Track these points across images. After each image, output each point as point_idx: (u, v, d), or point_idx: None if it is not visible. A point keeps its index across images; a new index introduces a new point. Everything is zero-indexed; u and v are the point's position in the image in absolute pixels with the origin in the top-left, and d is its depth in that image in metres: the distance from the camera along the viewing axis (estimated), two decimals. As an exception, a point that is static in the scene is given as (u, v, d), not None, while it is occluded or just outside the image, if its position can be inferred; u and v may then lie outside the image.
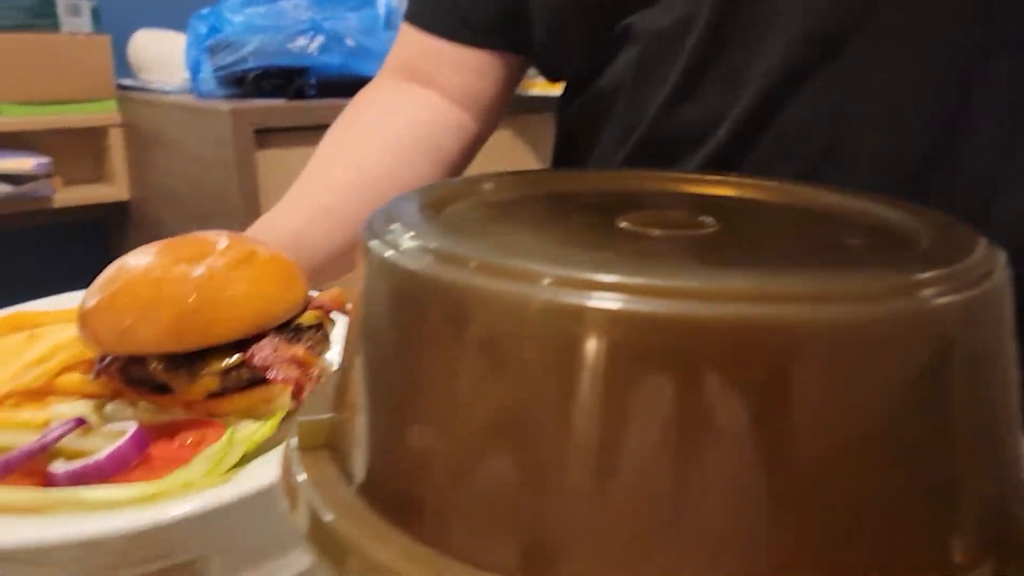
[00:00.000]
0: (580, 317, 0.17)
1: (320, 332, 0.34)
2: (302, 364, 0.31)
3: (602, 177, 0.30)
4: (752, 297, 0.16)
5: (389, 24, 1.03)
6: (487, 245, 0.20)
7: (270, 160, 0.97)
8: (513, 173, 0.28)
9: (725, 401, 0.16)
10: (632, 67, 0.46)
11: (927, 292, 0.17)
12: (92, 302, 0.31)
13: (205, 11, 1.05)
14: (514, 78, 0.56)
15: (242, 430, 0.30)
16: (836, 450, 0.17)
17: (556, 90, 1.19)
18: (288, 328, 0.33)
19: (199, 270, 0.31)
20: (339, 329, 0.36)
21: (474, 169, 1.09)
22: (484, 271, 0.18)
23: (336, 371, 0.24)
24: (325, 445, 0.22)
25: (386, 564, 0.19)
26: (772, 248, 0.22)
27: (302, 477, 0.21)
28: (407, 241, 0.20)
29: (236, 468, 0.29)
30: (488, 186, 0.26)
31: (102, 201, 1.22)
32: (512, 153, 1.25)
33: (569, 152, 0.55)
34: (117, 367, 0.32)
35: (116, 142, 1.19)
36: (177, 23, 1.26)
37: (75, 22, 1.14)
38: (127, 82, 1.23)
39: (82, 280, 1.23)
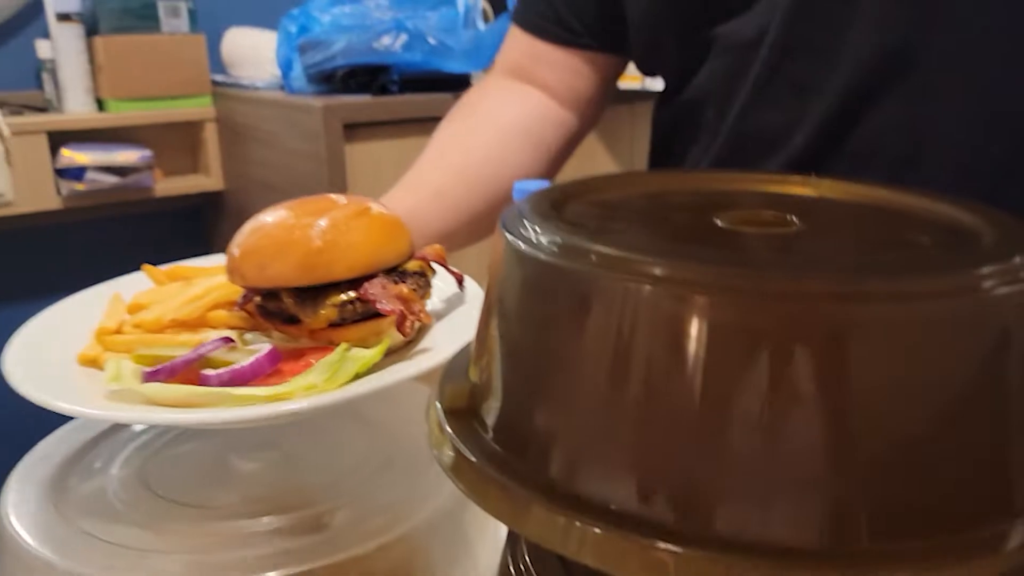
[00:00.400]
0: (687, 303, 0.21)
1: (423, 278, 0.39)
2: (406, 301, 0.36)
3: (692, 178, 0.33)
4: (831, 288, 0.20)
5: (468, 23, 1.07)
6: (605, 240, 0.24)
7: (357, 152, 1.03)
8: (616, 176, 0.31)
9: (809, 374, 0.20)
10: (718, 76, 0.49)
11: (986, 285, 0.20)
12: (237, 247, 0.37)
13: (295, 12, 1.11)
14: (611, 76, 0.60)
15: (354, 353, 0.35)
16: (905, 414, 0.20)
17: (626, 81, 1.22)
18: (395, 272, 0.38)
19: (323, 221, 0.36)
20: (439, 279, 0.41)
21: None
22: (604, 263, 0.22)
23: (471, 344, 0.28)
24: (466, 406, 0.26)
25: (521, 495, 0.23)
26: (851, 245, 0.25)
27: (448, 429, 0.25)
28: (537, 236, 0.24)
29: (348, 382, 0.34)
30: (597, 188, 0.30)
31: (198, 190, 1.30)
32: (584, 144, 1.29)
33: (663, 155, 0.59)
34: (256, 302, 0.38)
35: (211, 135, 1.27)
36: (266, 21, 1.33)
37: (174, 23, 1.22)
38: (219, 78, 1.30)
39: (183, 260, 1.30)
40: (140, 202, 1.28)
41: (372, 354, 0.35)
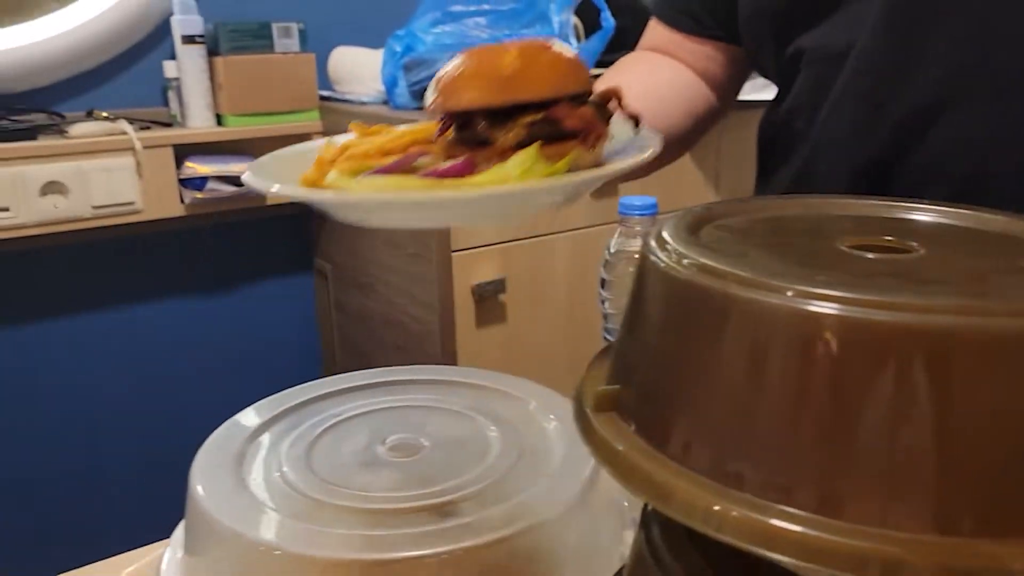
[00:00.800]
0: (817, 322, 0.24)
1: (603, 108, 0.41)
2: (589, 121, 0.39)
3: (812, 203, 0.36)
4: (950, 311, 0.23)
5: (561, 40, 1.11)
6: (739, 263, 0.27)
7: (458, 165, 1.09)
8: (742, 202, 0.35)
9: (930, 388, 0.23)
10: (807, 87, 0.53)
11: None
12: (438, 79, 0.40)
13: (400, 32, 1.17)
14: (743, 68, 0.66)
15: (543, 163, 0.38)
16: (1006, 428, 0.23)
17: None
18: (579, 99, 0.40)
19: (513, 50, 0.39)
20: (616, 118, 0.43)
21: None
22: (740, 283, 0.26)
23: (612, 353, 0.32)
24: (610, 404, 0.30)
25: (664, 480, 0.27)
26: (969, 269, 0.28)
27: (596, 423, 0.30)
28: (677, 257, 0.28)
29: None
30: (726, 213, 0.33)
31: (305, 199, 1.39)
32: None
33: (764, 163, 0.63)
34: (452, 129, 0.41)
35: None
36: (370, 41, 1.40)
37: (286, 43, 1.30)
38: (326, 93, 1.39)
39: (290, 264, 1.46)
40: (252, 209, 1.37)
41: (559, 164, 0.37)
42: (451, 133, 0.42)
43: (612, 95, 0.42)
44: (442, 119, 0.42)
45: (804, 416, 0.25)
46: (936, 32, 0.46)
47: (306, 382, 0.52)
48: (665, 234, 0.30)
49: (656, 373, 0.29)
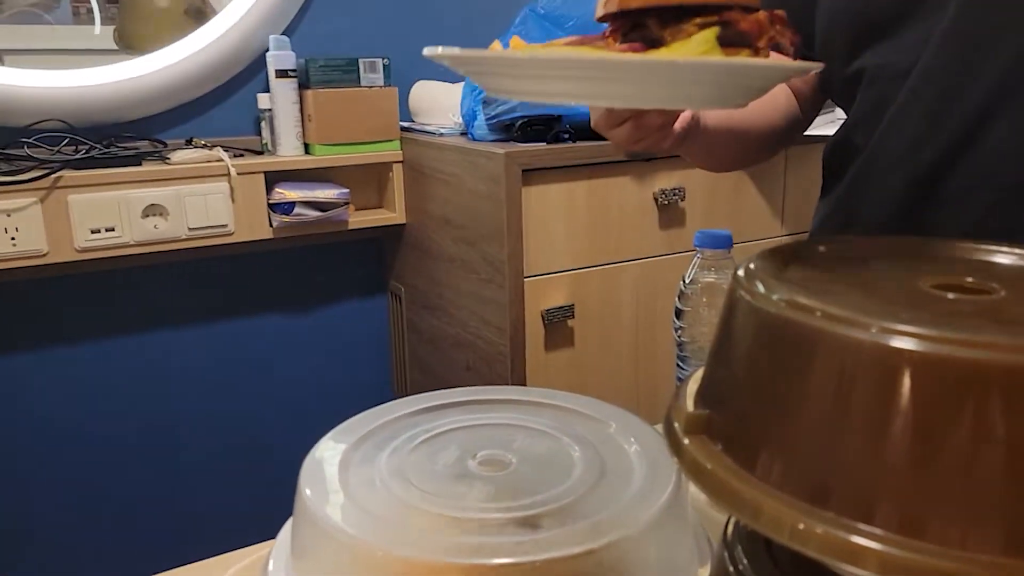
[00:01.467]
0: (898, 357, 0.26)
1: (774, 18, 0.41)
2: (761, 23, 0.39)
3: (896, 244, 0.38)
4: (1007, 349, 0.25)
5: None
6: (826, 299, 0.30)
7: (533, 194, 1.13)
8: (822, 241, 0.37)
9: (1004, 422, 0.25)
10: (867, 105, 0.57)
11: None
12: None
13: (480, 67, 1.23)
14: (818, 87, 0.69)
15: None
16: None
17: None
18: (750, 8, 0.40)
19: None
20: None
21: (707, 197, 1.19)
22: (827, 318, 0.28)
23: (701, 380, 0.35)
24: (699, 426, 0.33)
25: (752, 498, 0.29)
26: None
27: (687, 443, 0.32)
28: (767, 292, 0.31)
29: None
30: (813, 251, 0.36)
31: (383, 223, 1.45)
32: (736, 186, 1.32)
33: (826, 181, 0.67)
34: (621, 32, 0.41)
35: (397, 175, 1.42)
36: (448, 75, 1.46)
37: (371, 77, 1.37)
38: (406, 124, 1.45)
39: (366, 285, 1.53)
40: (335, 233, 1.44)
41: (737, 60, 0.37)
42: (618, 39, 0.41)
43: (776, 20, 0.41)
44: (610, 23, 0.41)
45: (887, 444, 0.27)
46: (992, 48, 0.49)
47: (377, 400, 0.56)
48: (753, 268, 0.33)
49: (745, 400, 0.31)
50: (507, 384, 1.19)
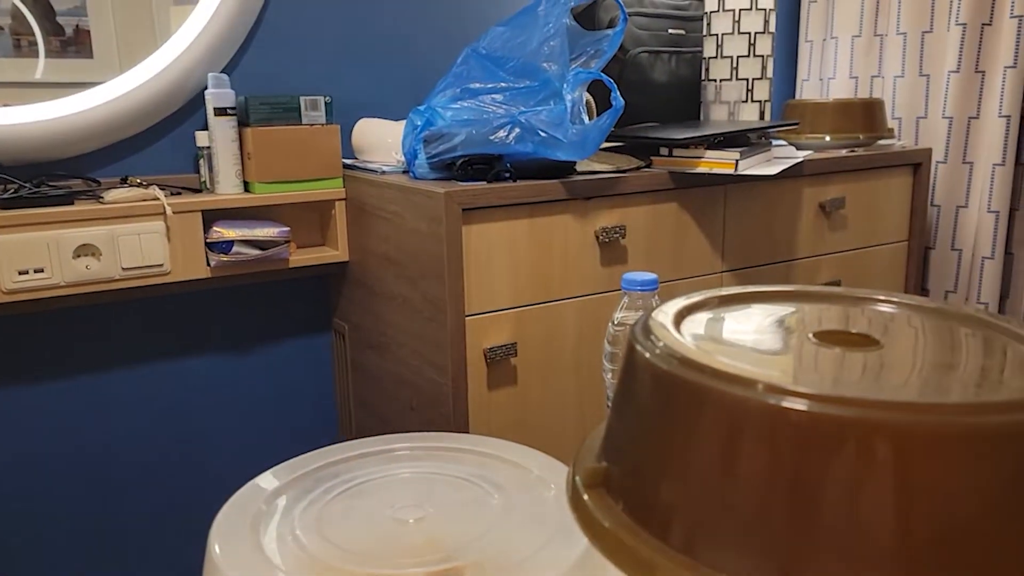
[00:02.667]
0: (783, 416, 0.27)
1: None
2: None
3: (790, 294, 0.40)
4: (899, 408, 0.26)
5: (574, 117, 1.17)
6: (716, 355, 0.30)
7: (474, 233, 1.13)
8: (724, 296, 0.38)
9: (884, 472, 0.26)
10: None
11: (1015, 411, 0.26)
12: None
13: (421, 107, 1.24)
14: None
15: None
16: (953, 516, 0.26)
17: (720, 168, 1.33)
18: None
19: None
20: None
21: (648, 234, 1.22)
22: (715, 376, 0.29)
23: (602, 433, 0.35)
24: (600, 482, 0.33)
25: (646, 558, 0.29)
26: (920, 365, 0.31)
27: (587, 499, 0.32)
28: (660, 348, 0.31)
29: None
30: (710, 304, 0.37)
31: (326, 261, 1.44)
32: (677, 223, 1.35)
33: None
34: None
35: (340, 213, 1.41)
36: (391, 113, 1.47)
37: (312, 115, 1.37)
38: (349, 162, 1.45)
39: (309, 324, 1.53)
40: (277, 271, 1.42)
41: None
42: None
43: None
44: None
45: (772, 501, 0.27)
46: None
47: (323, 440, 0.55)
48: (651, 324, 0.34)
49: (640, 455, 0.32)
50: (449, 423, 1.18)
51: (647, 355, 0.31)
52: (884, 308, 0.36)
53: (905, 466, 0.27)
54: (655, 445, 0.31)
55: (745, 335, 0.35)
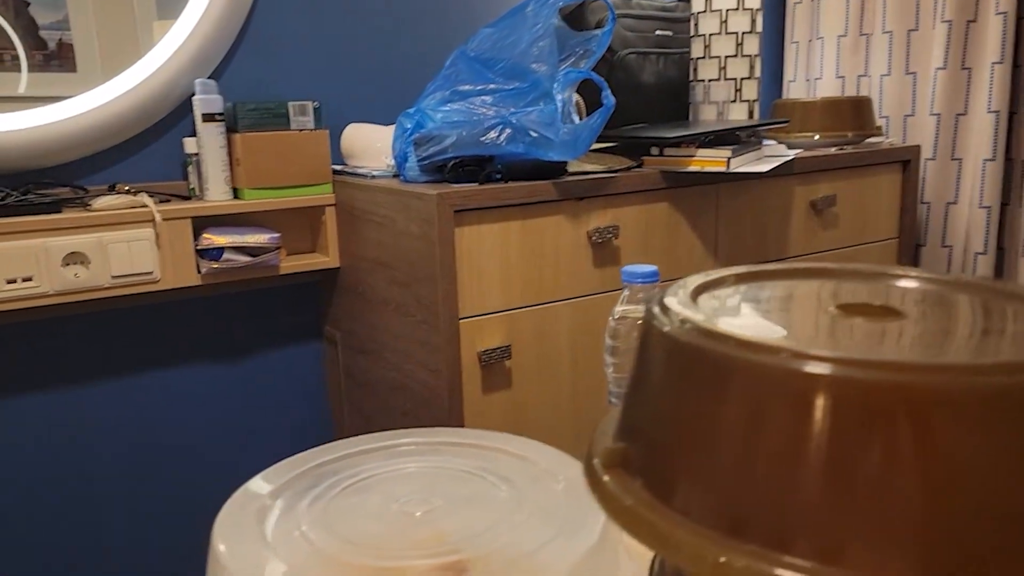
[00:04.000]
0: (807, 380, 0.26)
1: None
2: None
3: (803, 270, 0.39)
4: (918, 370, 0.25)
5: (565, 117, 1.17)
6: (737, 326, 0.30)
7: (466, 235, 1.12)
8: (733, 271, 0.38)
9: (914, 442, 0.25)
10: None
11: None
12: None
13: (411, 110, 1.23)
14: None
15: None
16: (984, 479, 0.25)
17: (712, 166, 1.33)
18: None
19: None
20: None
21: (641, 234, 1.22)
22: (738, 345, 0.28)
23: (619, 412, 0.34)
24: (618, 461, 0.32)
25: (670, 533, 0.28)
26: (944, 333, 0.31)
27: (606, 479, 0.31)
28: (679, 321, 0.31)
29: None
30: (728, 281, 0.36)
31: (317, 267, 1.42)
32: (669, 223, 1.35)
33: None
34: None
35: (330, 218, 1.40)
36: (380, 118, 1.47)
37: (301, 120, 1.36)
38: (338, 167, 1.44)
39: (300, 331, 1.52)
40: (267, 278, 1.41)
41: None
42: None
43: None
44: None
45: (801, 471, 0.27)
46: None
47: (316, 446, 0.54)
48: (667, 300, 0.33)
49: (660, 431, 0.31)
50: (444, 427, 1.17)
51: (665, 328, 0.31)
52: (904, 283, 0.36)
53: (935, 433, 0.26)
54: (676, 420, 0.30)
55: (765, 308, 0.34)
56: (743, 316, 0.33)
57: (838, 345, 0.27)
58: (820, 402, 0.26)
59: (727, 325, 0.30)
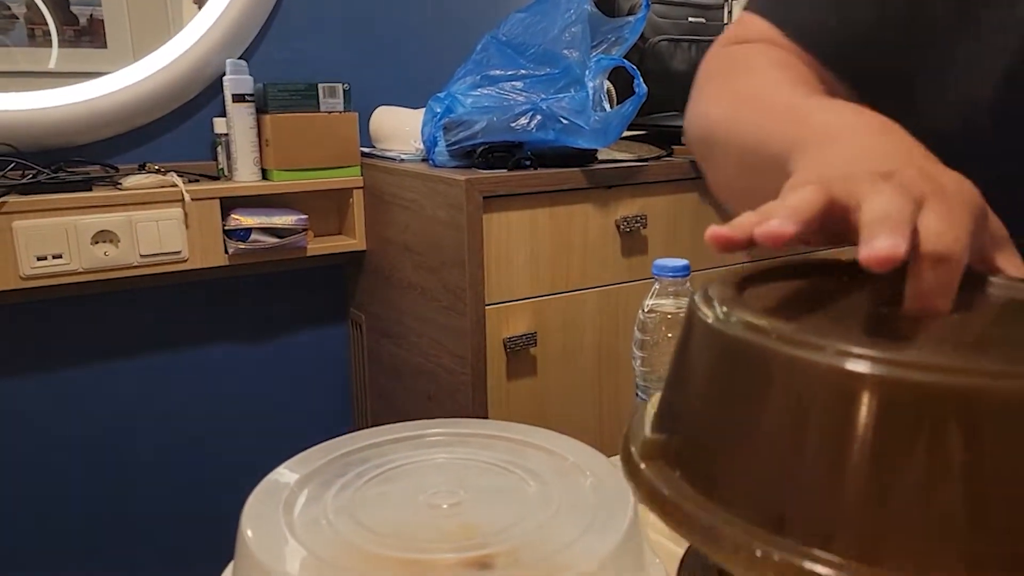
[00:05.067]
0: (853, 378, 0.25)
1: None
2: None
3: (849, 265, 0.38)
4: (980, 374, 0.24)
5: (596, 104, 1.15)
6: (783, 321, 0.29)
7: (494, 221, 1.12)
8: (779, 265, 0.37)
9: (961, 446, 0.24)
10: None
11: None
12: None
13: (441, 94, 1.22)
14: None
15: None
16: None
17: None
18: None
19: None
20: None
21: (670, 224, 1.20)
22: (783, 340, 0.27)
23: (658, 403, 0.34)
24: (657, 453, 0.32)
25: (709, 525, 0.28)
26: (997, 335, 0.29)
27: (645, 470, 0.31)
28: (724, 314, 0.30)
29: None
30: (768, 275, 0.35)
31: (343, 250, 1.43)
32: (698, 213, 1.33)
33: None
34: None
35: (357, 201, 1.40)
36: (410, 101, 1.46)
37: (331, 102, 1.36)
38: (367, 150, 1.44)
39: (326, 313, 1.51)
40: (293, 260, 1.41)
41: None
42: None
43: None
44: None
45: (845, 468, 0.26)
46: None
47: (337, 429, 0.54)
48: (711, 292, 0.32)
49: (702, 423, 0.30)
50: (468, 413, 1.16)
51: (709, 320, 0.30)
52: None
53: (982, 437, 0.25)
54: (718, 413, 0.29)
55: (812, 302, 0.33)
56: (790, 310, 0.32)
57: (887, 344, 0.26)
58: (866, 401, 0.25)
59: (773, 319, 0.29)
